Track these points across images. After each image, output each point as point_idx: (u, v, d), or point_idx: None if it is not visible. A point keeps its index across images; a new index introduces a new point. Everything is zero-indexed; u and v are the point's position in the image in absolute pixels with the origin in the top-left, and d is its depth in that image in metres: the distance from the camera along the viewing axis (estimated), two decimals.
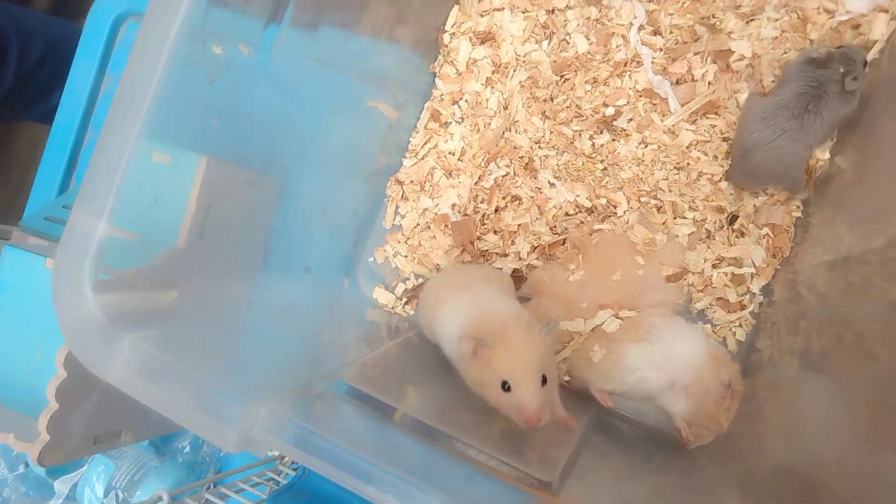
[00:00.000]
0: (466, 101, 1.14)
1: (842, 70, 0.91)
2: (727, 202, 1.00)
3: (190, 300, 0.85)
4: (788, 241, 0.99)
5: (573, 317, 0.90)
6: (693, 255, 0.98)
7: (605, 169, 1.06)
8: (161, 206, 0.85)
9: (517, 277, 1.06)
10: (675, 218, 1.00)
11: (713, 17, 1.03)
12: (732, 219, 1.00)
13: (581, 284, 0.91)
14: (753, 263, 0.99)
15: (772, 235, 0.99)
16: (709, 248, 1.00)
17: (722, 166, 1.01)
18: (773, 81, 0.99)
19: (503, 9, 1.13)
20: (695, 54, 1.02)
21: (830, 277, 0.87)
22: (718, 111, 1.01)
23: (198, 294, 0.87)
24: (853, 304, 0.79)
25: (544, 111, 1.08)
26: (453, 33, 1.15)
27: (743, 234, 1.00)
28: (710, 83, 1.02)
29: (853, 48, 0.95)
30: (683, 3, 1.04)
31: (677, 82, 1.03)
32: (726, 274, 0.99)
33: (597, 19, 1.07)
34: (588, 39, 1.06)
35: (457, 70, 1.15)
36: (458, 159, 1.14)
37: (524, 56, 1.10)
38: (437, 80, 1.17)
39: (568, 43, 1.08)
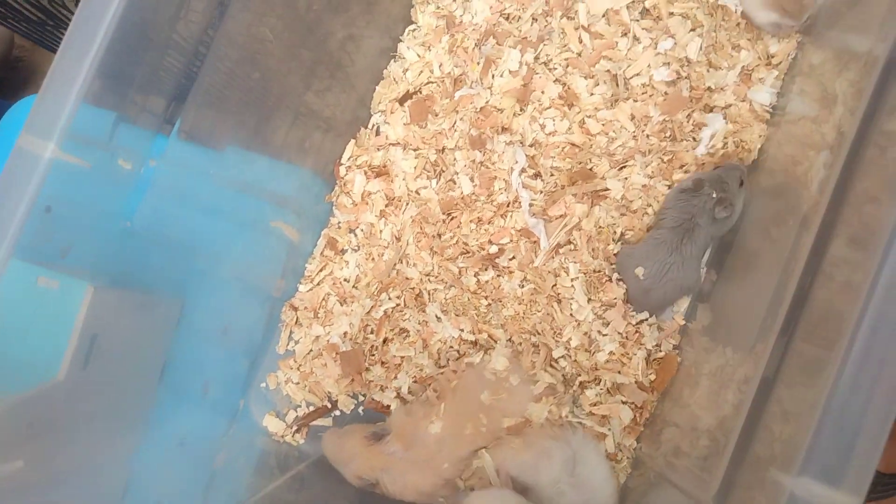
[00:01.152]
0: (362, 230, 1.18)
1: (714, 196, 0.98)
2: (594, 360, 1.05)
3: (63, 442, 0.84)
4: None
5: (431, 481, 0.92)
6: (537, 408, 1.00)
7: (490, 305, 1.10)
8: (42, 335, 0.85)
9: None
10: (546, 363, 1.04)
11: (590, 160, 1.10)
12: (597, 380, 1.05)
13: (440, 439, 0.93)
14: (621, 420, 1.03)
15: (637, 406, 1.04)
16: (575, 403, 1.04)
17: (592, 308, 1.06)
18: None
19: (397, 144, 1.18)
20: (572, 195, 1.08)
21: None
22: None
23: (76, 434, 0.86)
24: None
25: (433, 247, 1.12)
26: (349, 166, 1.19)
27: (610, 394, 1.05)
28: (580, 219, 1.07)
29: (729, 168, 1.01)
30: (563, 147, 1.11)
31: (552, 220, 1.09)
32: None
33: (481, 162, 1.12)
34: (473, 181, 1.12)
35: (353, 201, 1.18)
36: (353, 286, 1.17)
37: (415, 192, 1.15)
38: (334, 208, 1.20)
39: (455, 183, 1.13)
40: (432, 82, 1.20)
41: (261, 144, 1.10)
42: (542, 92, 1.12)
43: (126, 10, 0.68)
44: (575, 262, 1.07)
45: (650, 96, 1.09)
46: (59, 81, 0.67)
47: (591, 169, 1.09)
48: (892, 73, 0.77)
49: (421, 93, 1.20)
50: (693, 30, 1.08)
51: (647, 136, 1.09)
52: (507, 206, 1.10)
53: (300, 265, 1.20)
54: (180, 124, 0.90)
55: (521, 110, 1.13)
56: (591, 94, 1.11)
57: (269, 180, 1.15)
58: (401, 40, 1.24)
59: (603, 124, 1.10)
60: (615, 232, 1.08)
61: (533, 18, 1.14)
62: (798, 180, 0.88)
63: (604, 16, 1.11)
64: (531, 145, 1.12)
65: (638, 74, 1.10)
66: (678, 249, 0.99)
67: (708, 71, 1.08)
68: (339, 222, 1.20)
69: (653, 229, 1.04)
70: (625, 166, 1.09)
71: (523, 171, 1.11)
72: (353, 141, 1.20)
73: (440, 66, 1.19)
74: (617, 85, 1.09)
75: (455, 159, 1.14)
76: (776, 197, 0.97)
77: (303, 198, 1.20)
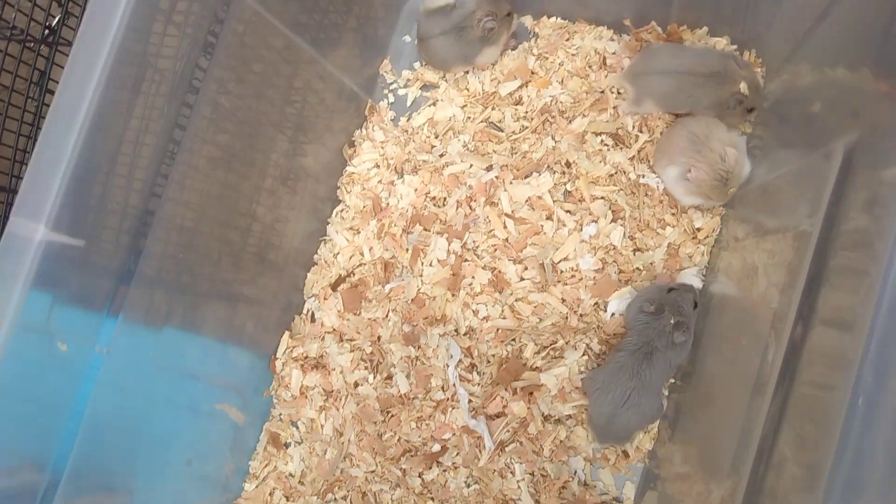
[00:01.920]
0: (303, 423, 1.16)
1: (672, 321, 0.97)
2: None
3: None
4: None
5: None
6: None
7: None
8: None
9: None
10: None
11: (523, 345, 1.08)
12: None
13: None
14: None
15: None
16: None
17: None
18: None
19: (332, 332, 1.16)
20: (508, 390, 1.07)
21: None
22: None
23: None
24: None
25: (374, 447, 1.10)
26: (285, 360, 1.17)
27: None
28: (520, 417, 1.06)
29: (683, 292, 1.01)
30: (497, 331, 1.09)
31: (493, 418, 1.07)
32: None
33: (416, 357, 1.10)
34: (409, 378, 1.10)
35: (292, 394, 1.16)
36: (299, 482, 1.15)
37: (353, 385, 1.13)
38: (274, 401, 1.18)
39: (392, 379, 1.11)
40: (364, 265, 1.18)
41: (203, 328, 1.08)
42: (473, 278, 1.11)
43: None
44: (521, 462, 1.05)
45: (579, 280, 1.08)
46: None
47: (523, 357, 1.08)
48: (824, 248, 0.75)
49: (353, 275, 1.18)
50: (614, 220, 1.07)
51: (580, 315, 1.08)
52: (447, 401, 1.09)
53: (244, 462, 1.18)
54: (122, 309, 0.89)
55: (452, 296, 1.11)
56: (521, 280, 1.09)
57: (213, 364, 1.13)
58: (329, 222, 1.22)
59: (535, 307, 1.08)
60: (558, 421, 1.06)
61: (458, 204, 1.13)
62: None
63: (527, 201, 1.10)
64: (465, 333, 1.11)
65: (566, 259, 1.08)
66: (638, 374, 0.98)
67: (634, 254, 1.07)
68: (281, 414, 1.18)
69: (615, 352, 1.03)
70: (559, 357, 1.07)
71: (460, 362, 1.09)
72: (287, 333, 1.18)
73: (370, 250, 1.17)
74: (544, 271, 1.07)
75: (391, 350, 1.12)
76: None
77: (245, 380, 1.18)
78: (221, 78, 0.91)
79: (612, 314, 1.07)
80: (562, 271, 1.08)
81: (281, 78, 1.06)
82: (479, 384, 1.09)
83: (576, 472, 1.05)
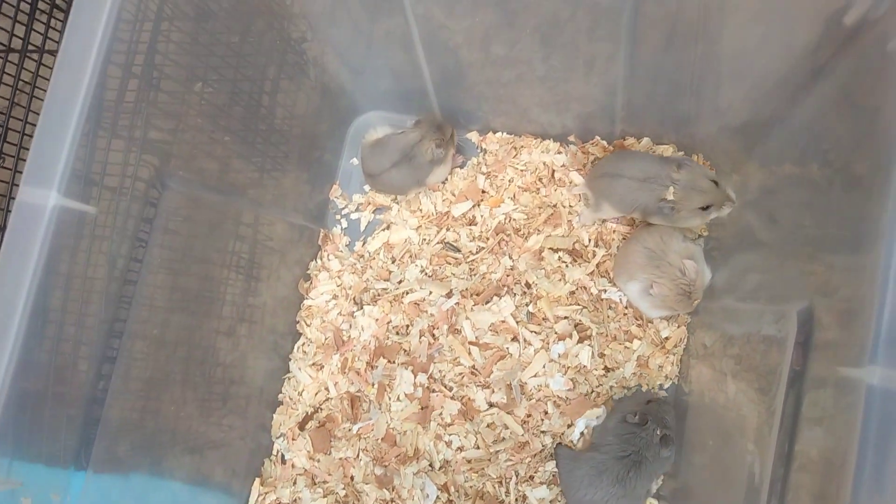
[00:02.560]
0: None
1: (658, 433, 0.95)
2: None
3: None
4: None
5: None
6: None
7: None
8: None
9: None
10: None
11: (500, 478, 1.05)
12: None
13: None
14: None
15: None
16: None
17: None
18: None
19: (304, 472, 1.13)
20: None
21: None
22: None
23: None
24: None
25: None
26: None
27: None
28: None
29: (662, 404, 1.00)
30: (471, 462, 1.06)
31: None
32: None
33: (391, 500, 1.07)
34: None
35: None
36: None
37: None
38: None
39: None
40: (330, 400, 1.15)
41: (171, 473, 1.04)
42: (442, 408, 1.08)
43: None
44: None
45: (548, 398, 1.06)
46: None
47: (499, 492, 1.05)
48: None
49: (321, 412, 1.15)
50: (581, 340, 1.05)
51: (553, 434, 1.05)
52: None
53: None
54: (86, 459, 0.86)
55: (423, 429, 1.09)
56: (490, 406, 1.07)
57: None
58: (291, 359, 1.19)
59: (498, 432, 1.06)
60: None
61: (420, 333, 1.10)
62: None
63: (490, 327, 1.08)
64: (440, 468, 1.07)
65: (535, 376, 1.06)
66: (623, 481, 0.95)
67: (606, 374, 1.05)
68: None
69: (593, 450, 1.00)
70: (531, 479, 1.04)
71: (437, 500, 1.06)
72: (258, 480, 1.14)
73: (335, 385, 1.14)
74: (511, 391, 1.05)
75: (365, 491, 1.08)
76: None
77: None
78: (164, 245, 0.89)
79: (581, 433, 1.04)
80: (531, 389, 1.06)
81: (226, 229, 1.04)
82: None
83: None
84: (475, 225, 1.15)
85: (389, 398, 1.10)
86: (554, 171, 1.14)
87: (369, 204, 1.22)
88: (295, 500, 1.12)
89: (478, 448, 1.07)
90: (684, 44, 0.88)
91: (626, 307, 1.08)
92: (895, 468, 0.51)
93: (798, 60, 0.79)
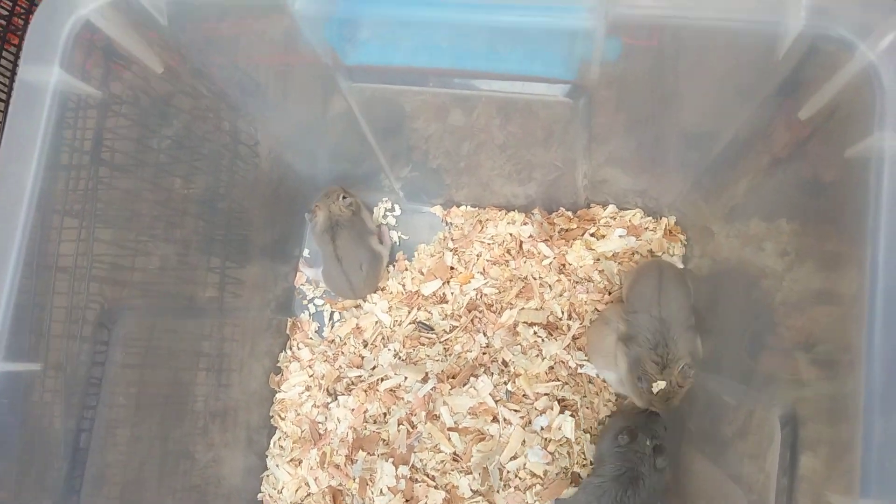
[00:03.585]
0: None
1: (650, 444, 0.92)
2: None
3: None
4: None
5: None
6: None
7: None
8: None
9: None
10: None
11: None
12: None
13: None
14: None
15: None
16: None
17: None
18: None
19: None
20: None
21: None
22: None
23: None
24: None
25: None
26: None
27: None
28: None
29: (652, 416, 0.96)
30: None
31: None
32: None
33: None
34: None
35: None
36: None
37: None
38: None
39: None
40: (311, 495, 1.11)
41: None
42: (427, 498, 1.04)
43: None
44: None
45: (529, 482, 1.03)
46: None
47: None
48: None
49: None
50: (562, 411, 1.03)
51: None
52: None
53: None
54: None
55: None
56: (474, 494, 1.04)
57: None
58: (267, 455, 1.15)
59: None
60: None
61: (399, 422, 1.07)
62: None
63: (469, 410, 1.06)
64: None
65: (514, 458, 1.03)
66: (622, 501, 0.92)
67: (590, 443, 1.03)
68: None
69: (591, 476, 0.97)
70: None
71: None
72: None
73: (315, 481, 1.10)
74: (489, 476, 1.02)
75: None
76: None
77: None
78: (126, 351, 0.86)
79: None
80: (509, 472, 1.03)
81: (188, 337, 1.00)
82: None
83: None
84: (446, 303, 1.13)
85: (372, 492, 1.06)
86: (522, 242, 1.12)
87: None
88: None
89: None
90: (641, 118, 0.87)
91: (603, 381, 1.05)
92: None
93: (755, 145, 0.78)
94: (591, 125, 0.91)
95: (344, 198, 1.12)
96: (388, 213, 1.24)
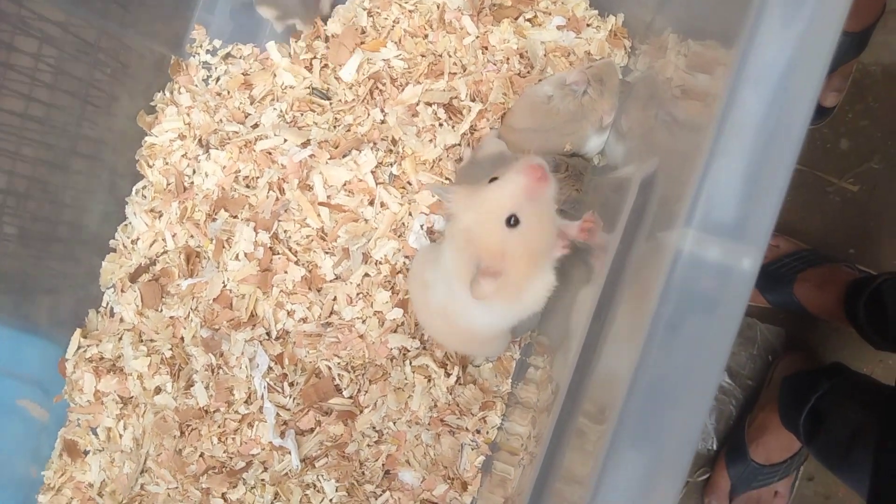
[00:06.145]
0: (102, 430, 1.02)
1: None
2: None
3: None
4: None
5: None
6: None
7: None
8: None
9: None
10: None
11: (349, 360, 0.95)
12: None
13: None
14: None
15: None
16: None
17: None
18: None
19: (132, 328, 1.01)
20: (318, 410, 0.94)
21: None
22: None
23: None
24: None
25: (174, 464, 0.97)
26: (76, 362, 1.01)
27: None
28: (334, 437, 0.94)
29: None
30: (312, 337, 0.96)
31: (304, 434, 0.95)
32: None
33: (218, 366, 0.96)
34: (208, 390, 0.96)
35: (87, 399, 1.02)
36: (98, 494, 1.02)
37: (152, 393, 0.99)
38: (68, 407, 1.03)
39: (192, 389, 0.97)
40: (167, 252, 1.02)
41: None
42: (286, 273, 0.96)
43: None
44: (329, 480, 0.93)
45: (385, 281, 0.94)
46: None
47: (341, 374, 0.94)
48: None
49: (156, 265, 1.02)
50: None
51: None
52: (253, 415, 0.95)
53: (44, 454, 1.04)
54: None
55: (264, 294, 0.97)
56: (337, 277, 0.95)
57: (6, 354, 0.99)
58: (127, 202, 1.04)
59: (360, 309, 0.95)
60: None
61: (269, 187, 0.96)
62: None
63: (344, 185, 0.94)
64: (278, 338, 0.96)
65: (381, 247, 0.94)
66: None
67: None
68: (78, 420, 1.03)
69: None
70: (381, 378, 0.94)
71: (269, 371, 0.95)
72: (78, 331, 1.02)
73: (173, 237, 1.01)
74: (349, 258, 0.93)
75: (194, 355, 0.97)
76: None
77: (47, 377, 1.03)
78: None
79: None
80: (378, 262, 0.94)
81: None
82: (290, 396, 0.95)
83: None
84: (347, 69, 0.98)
85: (227, 256, 0.97)
86: (444, 12, 0.96)
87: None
88: (118, 356, 1.01)
89: (329, 323, 0.95)
90: None
91: None
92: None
93: None
94: None
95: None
96: None
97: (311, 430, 0.95)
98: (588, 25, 0.96)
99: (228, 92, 1.02)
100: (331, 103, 0.99)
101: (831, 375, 0.90)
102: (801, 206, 1.09)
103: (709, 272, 0.39)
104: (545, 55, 0.94)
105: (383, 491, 0.94)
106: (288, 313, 0.96)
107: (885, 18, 1.01)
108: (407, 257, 0.93)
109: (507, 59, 0.94)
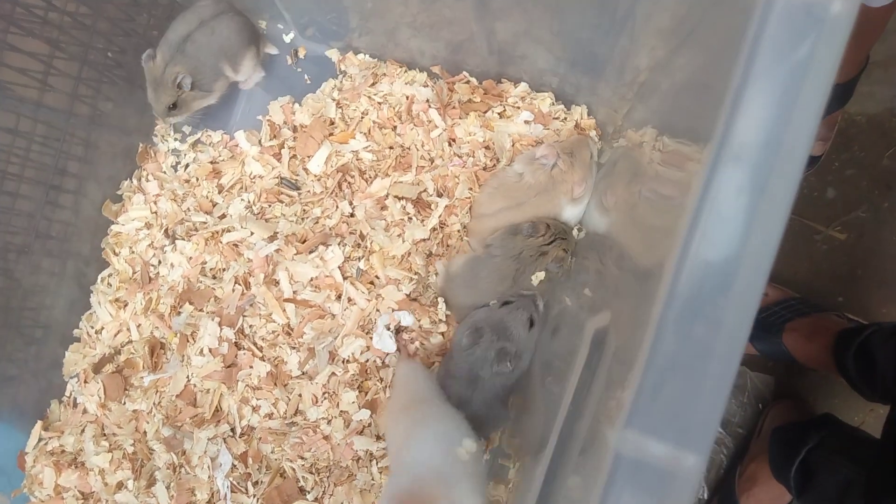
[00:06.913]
0: None
1: (495, 350, 0.81)
2: None
3: None
4: None
5: None
6: None
7: None
8: None
9: None
10: None
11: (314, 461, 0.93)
12: None
13: None
14: None
15: None
16: None
17: None
18: None
19: (95, 421, 0.99)
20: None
21: None
22: None
23: None
24: None
25: None
26: (37, 456, 0.99)
27: None
28: None
29: (516, 309, 0.84)
30: (278, 433, 0.93)
31: None
32: None
33: (180, 465, 0.94)
34: (169, 491, 0.93)
35: (47, 493, 0.99)
36: None
37: (114, 489, 0.96)
38: (28, 501, 1.00)
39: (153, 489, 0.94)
40: (132, 342, 1.00)
41: None
42: (251, 368, 0.94)
43: None
44: None
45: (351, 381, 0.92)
46: None
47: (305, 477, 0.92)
48: None
49: (120, 355, 1.00)
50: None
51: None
52: None
53: None
54: None
55: (229, 389, 0.95)
56: (303, 373, 0.93)
57: None
58: (92, 291, 1.03)
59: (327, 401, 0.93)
60: None
61: (234, 279, 0.95)
62: None
63: (311, 281, 0.93)
64: (242, 435, 0.94)
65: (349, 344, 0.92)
66: (468, 403, 0.84)
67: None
68: None
69: (444, 363, 0.89)
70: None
71: (233, 470, 0.93)
72: (39, 423, 1.00)
73: (138, 328, 0.99)
74: (315, 357, 0.91)
75: (156, 451, 0.95)
76: None
77: (9, 463, 1.00)
78: None
79: None
80: (345, 360, 0.92)
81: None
82: (254, 496, 0.93)
83: None
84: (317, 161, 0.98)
85: (192, 351, 0.95)
86: (413, 104, 0.96)
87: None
88: (80, 450, 0.99)
89: (293, 422, 0.93)
90: None
91: None
92: None
93: None
94: None
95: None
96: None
97: None
98: (555, 118, 0.95)
99: (197, 179, 1.02)
100: (299, 194, 0.98)
101: (821, 428, 0.88)
102: (789, 254, 1.09)
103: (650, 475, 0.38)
104: (513, 146, 0.93)
105: None
106: (253, 409, 0.94)
107: (869, 70, 1.02)
108: (379, 358, 0.92)
109: (473, 152, 0.94)
